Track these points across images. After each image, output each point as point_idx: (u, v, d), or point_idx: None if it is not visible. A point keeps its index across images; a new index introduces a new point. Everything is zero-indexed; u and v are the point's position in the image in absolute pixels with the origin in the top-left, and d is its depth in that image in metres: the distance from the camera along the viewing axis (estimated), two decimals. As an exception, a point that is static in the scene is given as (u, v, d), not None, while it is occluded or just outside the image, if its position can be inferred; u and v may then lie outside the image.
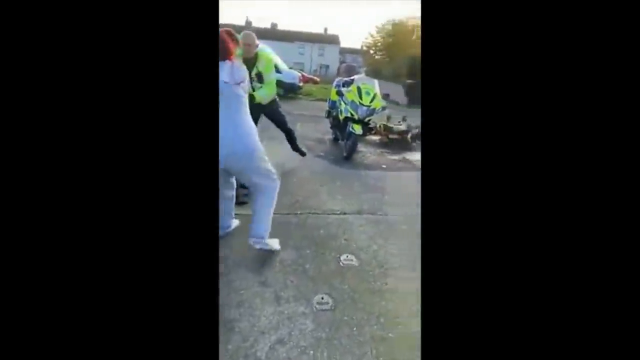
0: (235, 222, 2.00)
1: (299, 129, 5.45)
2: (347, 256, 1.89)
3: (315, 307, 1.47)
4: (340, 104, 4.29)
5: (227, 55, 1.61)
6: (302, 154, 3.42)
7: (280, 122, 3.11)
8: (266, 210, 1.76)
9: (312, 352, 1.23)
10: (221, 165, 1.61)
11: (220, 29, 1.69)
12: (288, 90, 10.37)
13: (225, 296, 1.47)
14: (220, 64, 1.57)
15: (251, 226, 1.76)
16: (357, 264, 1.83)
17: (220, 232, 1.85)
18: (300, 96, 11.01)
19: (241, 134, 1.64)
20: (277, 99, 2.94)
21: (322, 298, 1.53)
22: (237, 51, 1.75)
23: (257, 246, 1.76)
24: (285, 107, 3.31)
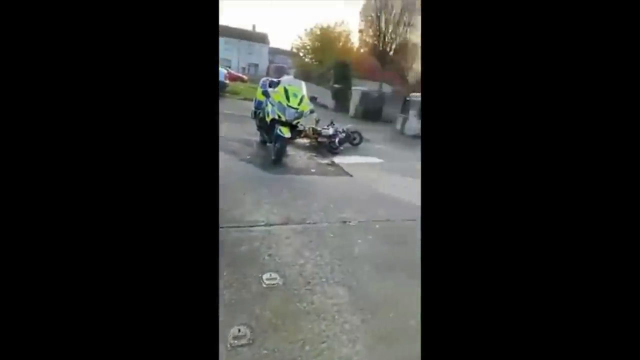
0: None
1: (223, 130, 5.06)
2: (270, 275, 1.71)
3: (229, 343, 1.25)
4: (267, 104, 4.08)
5: None
6: None
7: None
8: None
9: (222, 405, 1.02)
10: None
11: None
12: (213, 88, 9.67)
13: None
14: None
15: None
16: (281, 283, 1.66)
17: None
18: (227, 94, 10.38)
19: None
20: None
21: (239, 331, 1.32)
22: None
23: None
24: None
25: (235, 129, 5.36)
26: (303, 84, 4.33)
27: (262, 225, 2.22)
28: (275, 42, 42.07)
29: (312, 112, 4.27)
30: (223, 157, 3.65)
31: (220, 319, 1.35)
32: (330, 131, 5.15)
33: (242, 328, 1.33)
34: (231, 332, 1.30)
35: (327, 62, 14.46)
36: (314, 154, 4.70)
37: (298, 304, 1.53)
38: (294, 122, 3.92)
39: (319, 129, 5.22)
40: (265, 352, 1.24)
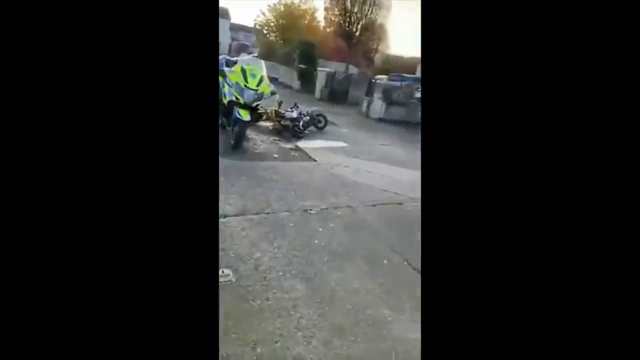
0: None
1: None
2: (222, 272, 1.60)
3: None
4: (224, 86, 3.80)
5: None
6: None
7: None
8: None
9: None
10: None
11: None
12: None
13: None
14: None
15: None
16: (234, 280, 1.56)
17: None
18: (184, 73, 9.65)
19: None
20: None
21: (184, 337, 1.21)
22: None
23: None
24: None
25: (191, 111, 4.99)
26: (263, 63, 4.08)
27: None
28: (237, 18, 39.59)
29: (273, 93, 4.06)
30: (175, 143, 3.38)
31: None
32: (294, 114, 4.97)
33: (187, 334, 1.22)
34: (174, 339, 1.19)
35: (292, 41, 13.91)
36: (277, 138, 4.53)
37: (252, 302, 1.45)
38: (254, 105, 3.70)
39: (282, 111, 5.02)
40: (213, 358, 1.15)
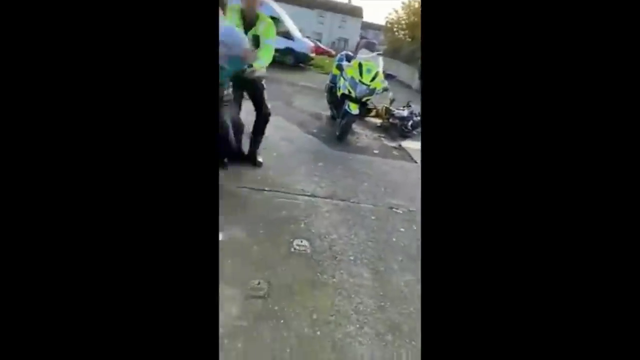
0: None
1: (296, 102, 5.24)
2: (301, 242, 1.78)
3: (247, 292, 1.38)
4: (340, 79, 4.03)
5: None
6: (255, 162, 2.56)
7: (259, 103, 2.46)
8: None
9: (226, 341, 1.14)
10: None
11: None
12: (298, 60, 9.96)
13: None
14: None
15: None
16: (309, 252, 1.72)
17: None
18: (311, 68, 10.58)
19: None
20: (265, 76, 2.40)
21: (258, 283, 1.43)
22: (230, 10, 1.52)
23: None
24: (291, 77, 3.07)
25: (308, 101, 5.49)
26: (380, 59, 4.12)
27: (307, 196, 2.29)
28: (369, 16, 40.28)
29: (385, 90, 4.06)
30: (289, 128, 3.81)
31: (245, 270, 1.49)
32: (405, 113, 4.83)
33: (262, 282, 1.44)
34: (250, 283, 1.42)
35: (419, 40, 13.32)
36: (382, 135, 4.53)
37: (319, 275, 1.57)
38: (364, 99, 3.80)
39: (392, 109, 4.96)
40: (276, 308, 1.33)
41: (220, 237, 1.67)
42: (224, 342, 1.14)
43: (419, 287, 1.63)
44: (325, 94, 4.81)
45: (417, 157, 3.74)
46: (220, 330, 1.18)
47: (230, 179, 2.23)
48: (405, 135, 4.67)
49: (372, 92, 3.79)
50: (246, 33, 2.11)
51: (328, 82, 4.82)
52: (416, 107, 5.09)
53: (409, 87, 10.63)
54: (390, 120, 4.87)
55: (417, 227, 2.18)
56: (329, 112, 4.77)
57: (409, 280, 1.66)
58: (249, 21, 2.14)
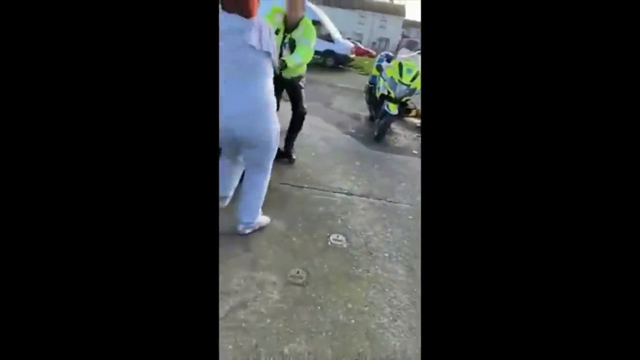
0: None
1: (335, 103, 5.33)
2: (338, 236, 1.86)
3: (288, 278, 1.49)
4: (379, 80, 4.04)
5: (249, 11, 1.35)
6: (290, 158, 2.68)
7: (296, 102, 2.52)
8: (260, 193, 1.67)
9: (268, 320, 1.26)
10: (234, 135, 1.46)
11: None
12: (338, 62, 10.06)
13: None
14: (240, 21, 1.35)
15: (241, 211, 1.66)
16: (345, 246, 1.79)
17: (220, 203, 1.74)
18: (351, 69, 10.62)
19: (261, 109, 1.45)
20: (303, 76, 2.49)
21: (298, 272, 1.54)
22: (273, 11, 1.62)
23: (247, 231, 1.69)
24: (330, 79, 3.16)
25: (347, 102, 5.55)
26: (420, 59, 4.05)
27: (343, 193, 2.37)
28: (412, 14, 39.12)
29: (426, 89, 3.99)
30: (328, 128, 3.91)
31: (286, 259, 1.61)
32: (446, 113, 4.69)
33: (301, 271, 1.55)
34: (291, 271, 1.54)
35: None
36: (420, 136, 4.44)
37: (354, 268, 1.64)
38: (404, 99, 3.78)
39: (433, 109, 4.84)
40: (313, 295, 1.42)
41: (265, 221, 1.81)
42: (266, 321, 1.26)
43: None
44: (365, 94, 4.84)
45: (459, 158, 3.62)
46: (264, 310, 1.30)
47: (272, 176, 2.39)
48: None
49: (412, 92, 3.75)
50: (285, 36, 2.19)
51: (367, 83, 4.84)
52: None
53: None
54: (431, 120, 4.76)
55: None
56: (367, 113, 4.79)
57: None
58: (290, 24, 2.19)
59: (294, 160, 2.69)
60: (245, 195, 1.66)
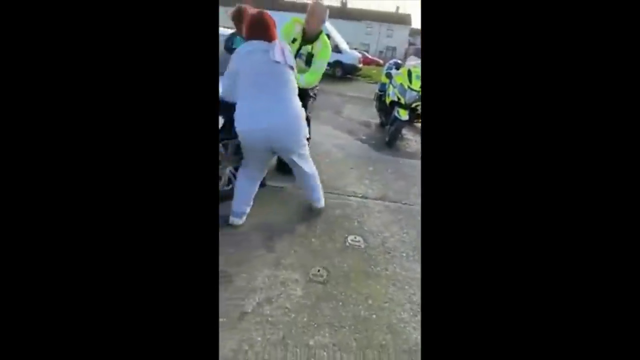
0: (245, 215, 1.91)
1: (345, 112, 5.43)
2: (355, 237, 1.91)
3: (309, 276, 1.55)
4: (389, 87, 4.13)
5: (270, 36, 1.63)
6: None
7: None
8: (316, 177, 1.98)
9: (293, 315, 1.32)
10: (268, 144, 1.65)
11: (260, 11, 1.76)
12: (346, 72, 10.25)
13: (230, 251, 1.63)
14: (264, 44, 1.60)
15: (314, 193, 2.03)
16: (363, 246, 1.85)
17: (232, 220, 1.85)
18: (359, 78, 10.78)
19: (293, 116, 1.66)
20: (318, 86, 2.51)
21: (318, 270, 1.60)
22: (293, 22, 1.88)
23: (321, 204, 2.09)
24: (340, 88, 3.25)
25: (357, 110, 5.65)
26: (429, 65, 4.13)
27: (359, 197, 2.43)
28: (418, 23, 39.56)
29: (435, 95, 4.05)
30: (339, 136, 4.00)
31: (306, 259, 1.67)
32: (457, 117, 4.72)
33: (321, 269, 1.61)
34: (312, 270, 1.60)
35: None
36: (432, 140, 4.48)
37: (372, 267, 1.69)
38: (414, 105, 3.85)
39: (443, 114, 4.87)
40: (335, 292, 1.48)
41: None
42: (291, 316, 1.32)
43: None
44: (374, 102, 4.93)
45: (471, 161, 3.63)
46: (288, 306, 1.37)
47: (290, 181, 2.48)
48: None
49: (421, 98, 3.82)
50: (301, 48, 2.26)
51: (377, 90, 4.94)
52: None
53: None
54: (442, 125, 4.79)
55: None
56: (377, 120, 4.88)
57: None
58: (308, 37, 2.25)
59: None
60: (306, 182, 1.97)
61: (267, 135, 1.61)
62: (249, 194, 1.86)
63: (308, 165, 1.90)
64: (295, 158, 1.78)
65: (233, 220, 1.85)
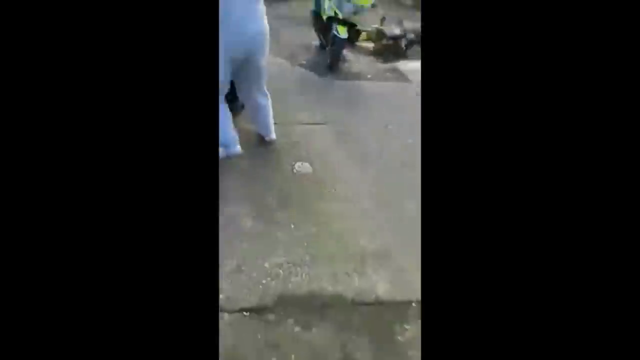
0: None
1: (283, 37, 4.96)
2: (302, 163, 1.91)
3: (257, 207, 1.55)
4: (324, 1, 3.75)
5: None
6: None
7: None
8: (270, 112, 2.08)
9: (245, 245, 1.35)
10: (250, 51, 1.74)
11: None
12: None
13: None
14: None
15: (264, 129, 2.09)
16: (310, 171, 1.86)
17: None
18: (294, -4, 9.65)
19: (265, 26, 1.77)
20: None
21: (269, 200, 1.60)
22: None
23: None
24: (278, 11, 2.89)
25: (295, 33, 5.16)
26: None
27: (303, 124, 2.37)
28: None
29: (374, 6, 3.80)
30: (278, 62, 3.70)
31: (255, 190, 1.65)
32: (397, 31, 4.56)
33: (270, 199, 1.61)
34: (261, 200, 1.60)
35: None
36: (375, 59, 4.35)
37: (322, 189, 1.73)
38: (352, 19, 3.59)
39: (384, 29, 4.67)
40: (286, 216, 1.51)
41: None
42: (243, 245, 1.34)
43: (412, 186, 1.79)
44: (312, 21, 4.51)
45: (412, 76, 3.65)
46: (240, 237, 1.38)
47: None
48: (399, 55, 4.48)
49: (360, 9, 3.56)
50: None
51: (312, 7, 4.48)
52: (408, 24, 4.77)
53: (402, 4, 9.73)
54: (383, 42, 4.63)
55: (411, 140, 2.27)
56: (317, 42, 4.53)
57: (399, 180, 1.82)
58: None
59: None
60: (261, 117, 2.06)
61: (250, 40, 1.73)
62: (228, 118, 1.92)
63: (266, 98, 2.04)
64: (263, 63, 1.90)
65: (233, 151, 1.91)
